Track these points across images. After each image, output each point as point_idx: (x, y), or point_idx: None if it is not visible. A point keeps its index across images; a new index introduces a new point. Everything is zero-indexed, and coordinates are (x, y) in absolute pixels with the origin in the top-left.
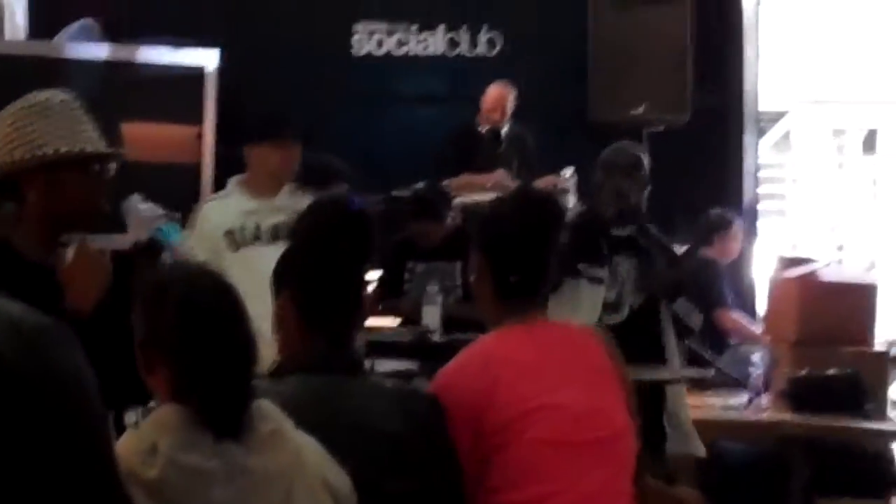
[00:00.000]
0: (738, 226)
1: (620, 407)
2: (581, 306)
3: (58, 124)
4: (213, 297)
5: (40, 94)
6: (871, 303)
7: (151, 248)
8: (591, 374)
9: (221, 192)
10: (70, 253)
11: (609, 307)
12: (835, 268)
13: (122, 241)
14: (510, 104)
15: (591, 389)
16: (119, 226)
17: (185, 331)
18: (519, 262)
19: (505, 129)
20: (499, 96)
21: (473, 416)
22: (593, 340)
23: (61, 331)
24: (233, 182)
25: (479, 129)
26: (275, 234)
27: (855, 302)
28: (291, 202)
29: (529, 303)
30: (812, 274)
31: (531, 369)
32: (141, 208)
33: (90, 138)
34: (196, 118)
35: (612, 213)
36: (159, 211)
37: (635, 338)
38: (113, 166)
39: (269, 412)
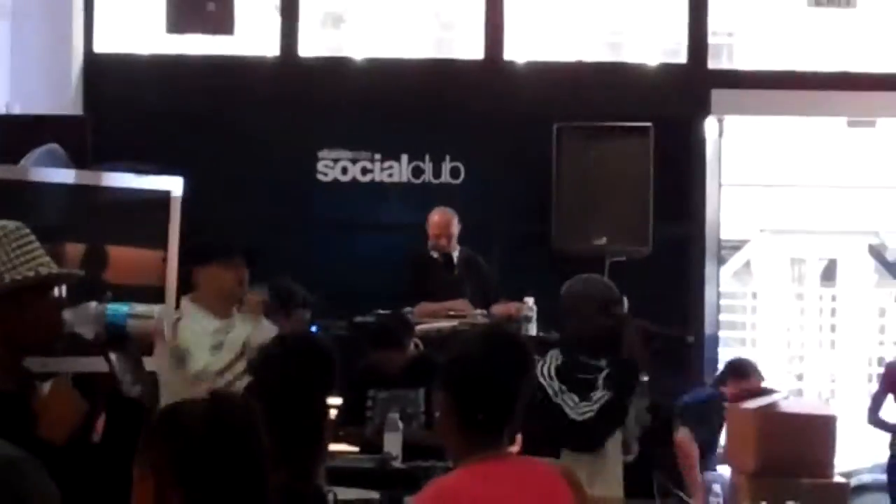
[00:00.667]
0: (756, 378)
1: None
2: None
3: (14, 252)
4: (239, 417)
5: None
6: (830, 434)
7: (115, 336)
8: None
9: (178, 312)
10: (46, 387)
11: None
12: (794, 399)
13: (92, 364)
14: (455, 228)
15: None
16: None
17: (212, 452)
18: (487, 402)
19: (456, 253)
20: (442, 222)
21: None
22: (558, 477)
23: (31, 463)
24: (186, 301)
25: (432, 254)
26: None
27: (814, 433)
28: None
29: (495, 440)
30: (771, 405)
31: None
32: (80, 309)
33: (46, 262)
34: (161, 243)
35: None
36: (94, 302)
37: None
38: (65, 289)
39: None
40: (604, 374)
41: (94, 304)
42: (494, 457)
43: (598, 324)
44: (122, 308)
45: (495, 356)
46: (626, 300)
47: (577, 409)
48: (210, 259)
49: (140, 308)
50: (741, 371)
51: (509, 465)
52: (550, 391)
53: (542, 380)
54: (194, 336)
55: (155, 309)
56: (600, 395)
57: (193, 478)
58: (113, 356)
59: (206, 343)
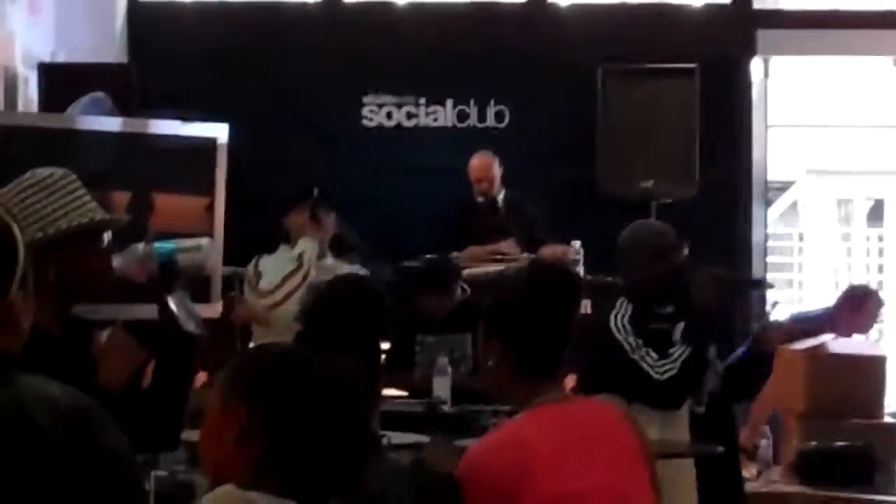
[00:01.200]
0: (875, 301)
1: (648, 490)
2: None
3: (64, 199)
4: (345, 372)
5: (39, 171)
6: (880, 374)
7: (168, 273)
8: (621, 456)
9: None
10: (105, 335)
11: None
12: (842, 339)
13: (141, 311)
14: (496, 171)
15: (622, 472)
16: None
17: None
18: (539, 338)
19: (500, 197)
20: (482, 166)
21: (503, 500)
22: (623, 419)
23: (100, 410)
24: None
25: (476, 199)
26: None
27: (864, 373)
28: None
29: (552, 379)
30: (820, 346)
31: (562, 453)
32: (128, 251)
33: (96, 208)
34: (207, 190)
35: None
36: (141, 243)
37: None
38: (110, 235)
39: None
40: (680, 326)
41: (140, 244)
42: (556, 399)
43: (655, 271)
44: (169, 245)
45: (541, 291)
46: (685, 245)
47: (657, 367)
48: (288, 209)
49: (187, 242)
50: (859, 297)
51: (572, 407)
52: (627, 347)
53: (616, 333)
54: (269, 265)
55: (202, 242)
56: (680, 350)
57: (284, 429)
58: (167, 298)
59: (278, 267)
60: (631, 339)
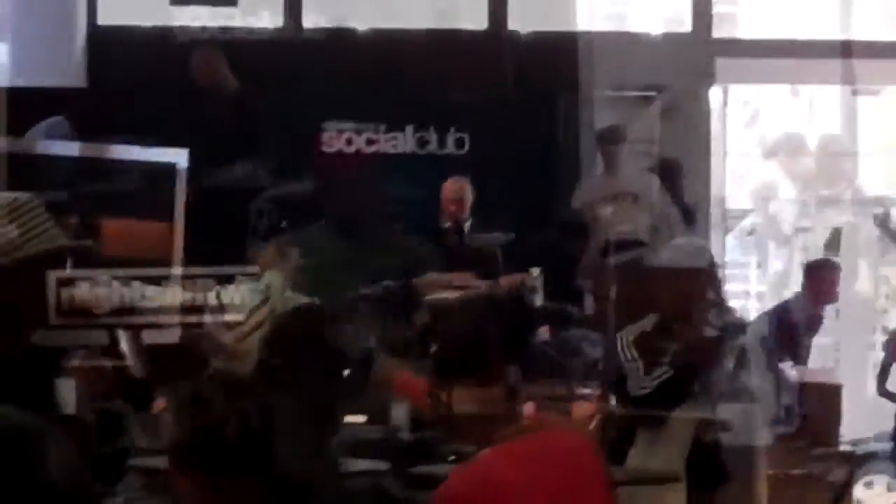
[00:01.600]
0: (831, 271)
1: None
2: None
3: (29, 223)
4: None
5: (2, 195)
6: (835, 403)
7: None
8: (585, 487)
9: None
10: (76, 360)
11: None
12: (799, 368)
13: (93, 337)
14: (468, 197)
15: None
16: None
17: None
18: (495, 373)
19: (468, 225)
20: (456, 188)
21: None
22: (586, 449)
23: (52, 433)
24: None
25: (442, 226)
26: None
27: (820, 402)
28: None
29: (512, 410)
30: None
31: (531, 489)
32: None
33: (59, 234)
34: (166, 215)
35: None
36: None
37: None
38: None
39: None
40: (673, 348)
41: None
42: (520, 432)
43: (701, 289)
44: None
45: (491, 322)
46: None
47: (638, 382)
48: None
49: (150, 290)
50: (817, 268)
51: (537, 440)
52: (622, 357)
53: (618, 343)
54: (234, 298)
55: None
56: (662, 370)
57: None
58: (121, 334)
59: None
60: (628, 352)
